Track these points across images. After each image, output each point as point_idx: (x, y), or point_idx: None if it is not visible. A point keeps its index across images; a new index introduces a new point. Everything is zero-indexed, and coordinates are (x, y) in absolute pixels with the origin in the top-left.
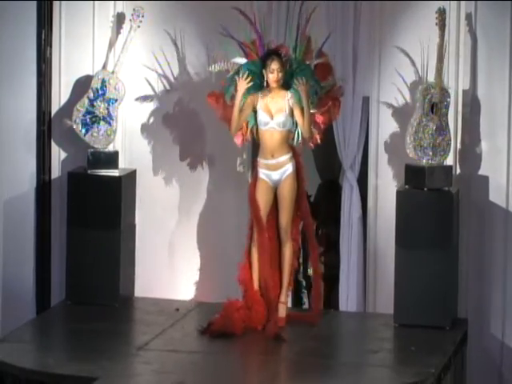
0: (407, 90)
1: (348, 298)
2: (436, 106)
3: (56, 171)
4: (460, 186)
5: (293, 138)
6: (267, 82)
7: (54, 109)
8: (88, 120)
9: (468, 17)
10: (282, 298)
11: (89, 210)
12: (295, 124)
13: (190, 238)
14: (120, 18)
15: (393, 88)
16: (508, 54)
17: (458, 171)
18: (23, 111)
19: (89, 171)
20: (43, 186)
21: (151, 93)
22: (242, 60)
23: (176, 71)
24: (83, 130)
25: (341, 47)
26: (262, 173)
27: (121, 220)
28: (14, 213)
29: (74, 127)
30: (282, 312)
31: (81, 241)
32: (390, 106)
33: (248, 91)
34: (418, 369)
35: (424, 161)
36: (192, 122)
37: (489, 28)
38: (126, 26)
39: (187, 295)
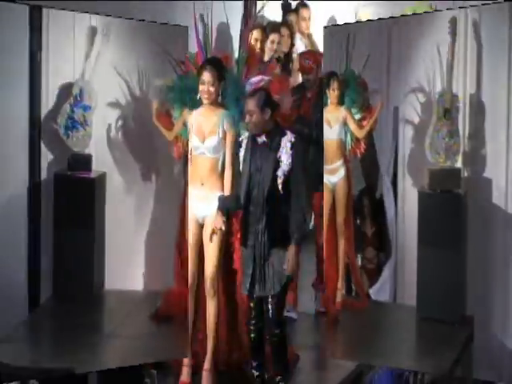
0: (425, 97)
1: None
2: (447, 112)
3: (45, 174)
4: (466, 188)
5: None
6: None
7: (43, 112)
8: (70, 124)
9: (474, 23)
10: (339, 286)
11: (68, 210)
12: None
13: (148, 237)
14: (93, 32)
15: (414, 97)
16: (506, 56)
17: (465, 174)
18: (14, 113)
19: (69, 173)
20: (34, 188)
21: (117, 101)
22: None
23: (135, 84)
24: (66, 134)
25: (379, 64)
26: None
27: (95, 220)
28: (6, 215)
29: (58, 131)
30: (338, 297)
31: (62, 241)
32: (412, 114)
33: (180, 107)
34: (432, 362)
35: (439, 164)
36: (147, 131)
37: (490, 32)
38: (98, 38)
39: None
